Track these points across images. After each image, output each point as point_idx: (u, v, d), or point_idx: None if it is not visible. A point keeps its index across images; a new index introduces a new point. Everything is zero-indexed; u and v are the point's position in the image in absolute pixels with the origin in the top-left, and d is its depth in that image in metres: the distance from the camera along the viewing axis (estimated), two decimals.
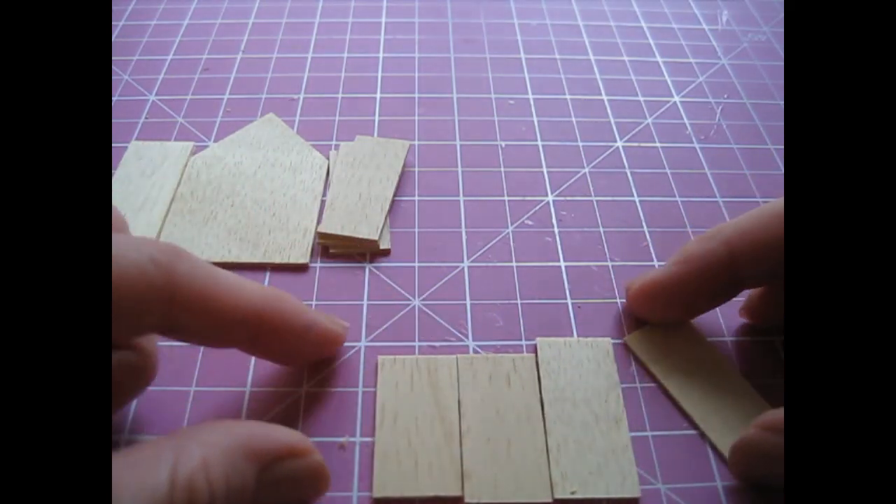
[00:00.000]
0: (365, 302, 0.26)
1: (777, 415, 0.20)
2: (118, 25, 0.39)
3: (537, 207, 0.30)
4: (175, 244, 0.20)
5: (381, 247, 0.28)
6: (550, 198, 0.31)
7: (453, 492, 0.21)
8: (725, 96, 0.37)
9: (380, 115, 0.34)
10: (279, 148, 0.32)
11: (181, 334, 0.20)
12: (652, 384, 0.24)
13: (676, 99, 0.36)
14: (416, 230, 0.29)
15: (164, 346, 0.24)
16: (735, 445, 0.21)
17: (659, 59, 0.39)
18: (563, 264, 0.28)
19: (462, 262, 0.28)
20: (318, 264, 0.28)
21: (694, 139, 0.34)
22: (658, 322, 0.25)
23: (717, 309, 0.27)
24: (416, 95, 0.36)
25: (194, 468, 0.17)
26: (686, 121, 0.35)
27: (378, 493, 0.21)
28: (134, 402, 0.23)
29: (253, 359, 0.24)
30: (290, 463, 0.19)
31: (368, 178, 0.30)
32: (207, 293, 0.19)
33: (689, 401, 0.23)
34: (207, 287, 0.20)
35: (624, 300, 0.27)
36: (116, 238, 0.18)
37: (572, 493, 0.21)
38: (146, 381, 0.22)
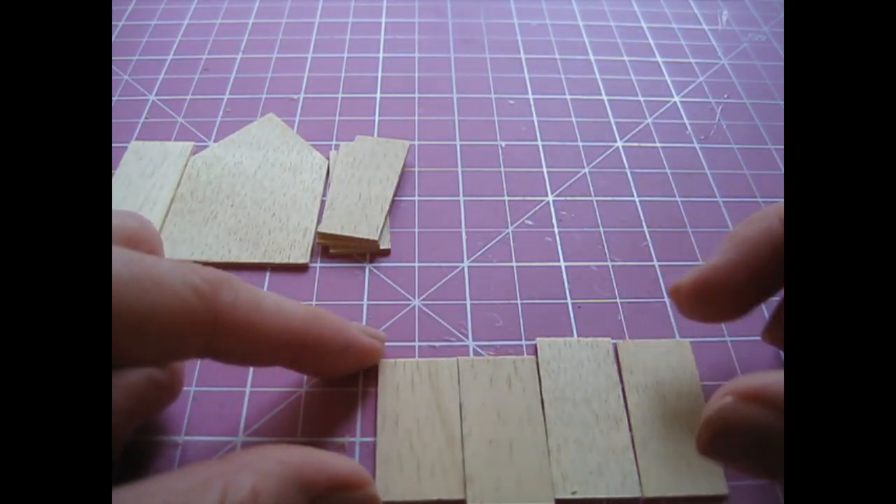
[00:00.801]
0: (365, 302, 0.26)
1: (755, 381, 0.17)
2: (118, 25, 0.39)
3: (537, 207, 0.30)
4: (219, 271, 0.20)
5: (381, 247, 0.28)
6: (550, 198, 0.31)
7: (456, 495, 0.21)
8: (725, 96, 0.37)
9: (380, 115, 0.34)
10: (279, 148, 0.32)
11: (223, 358, 0.20)
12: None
13: (676, 99, 0.36)
14: (416, 230, 0.29)
15: None
16: (709, 419, 0.18)
17: (659, 59, 0.39)
18: (563, 264, 0.28)
19: (462, 262, 0.28)
20: (318, 264, 0.28)
21: (694, 139, 0.34)
22: (720, 321, 0.23)
23: None
24: (416, 95, 0.36)
25: (244, 499, 0.16)
26: (686, 121, 0.35)
27: (380, 496, 0.21)
28: None
29: None
30: (343, 497, 0.18)
31: (368, 178, 0.30)
32: (250, 321, 0.19)
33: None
34: (250, 315, 0.19)
35: (624, 300, 0.27)
36: (161, 263, 0.18)
37: (573, 493, 0.21)
38: (172, 398, 0.22)
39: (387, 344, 0.25)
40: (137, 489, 0.16)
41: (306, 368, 0.23)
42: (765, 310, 0.27)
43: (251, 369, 0.24)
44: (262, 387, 0.24)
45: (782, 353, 0.25)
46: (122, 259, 0.18)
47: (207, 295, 0.18)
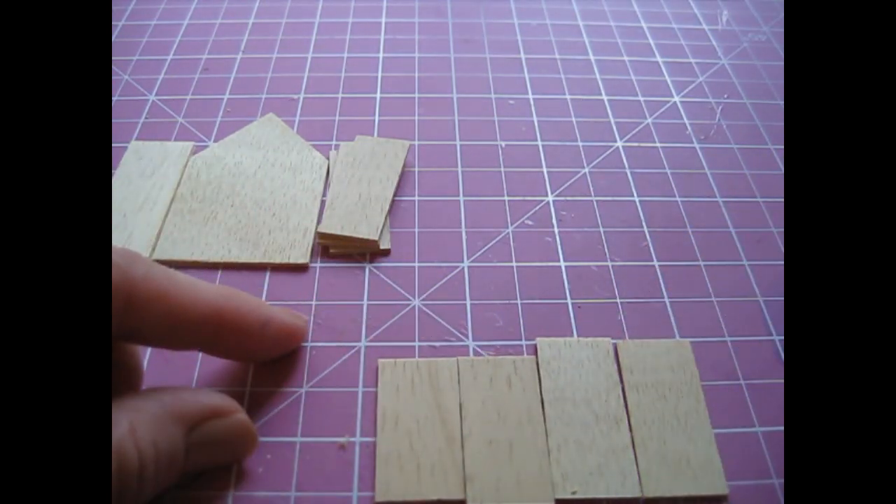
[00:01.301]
0: (365, 302, 0.26)
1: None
2: (118, 25, 0.39)
3: (537, 207, 0.30)
4: (131, 250, 0.20)
5: (381, 247, 0.28)
6: (550, 198, 0.31)
7: (456, 495, 0.21)
8: (725, 96, 0.37)
9: (380, 115, 0.34)
10: (279, 148, 0.32)
11: (140, 338, 0.20)
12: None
13: (676, 99, 0.36)
14: (416, 230, 0.29)
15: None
16: None
17: (659, 59, 0.39)
18: (563, 264, 0.28)
19: (462, 262, 0.28)
20: (318, 264, 0.28)
21: (694, 139, 0.34)
22: None
23: (717, 308, 0.27)
24: (416, 95, 0.36)
25: (122, 435, 0.17)
26: (686, 121, 0.35)
27: (380, 496, 0.21)
28: None
29: None
30: (216, 423, 0.20)
31: (368, 178, 0.30)
32: (164, 293, 0.20)
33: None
34: (163, 287, 0.20)
35: (624, 300, 0.27)
36: None
37: (573, 493, 0.21)
38: (138, 381, 0.22)
39: (387, 344, 0.25)
40: None
41: (225, 350, 0.23)
42: (766, 313, 0.27)
43: (251, 368, 0.24)
44: (262, 387, 0.24)
45: (782, 353, 0.25)
46: None
47: (121, 268, 0.19)
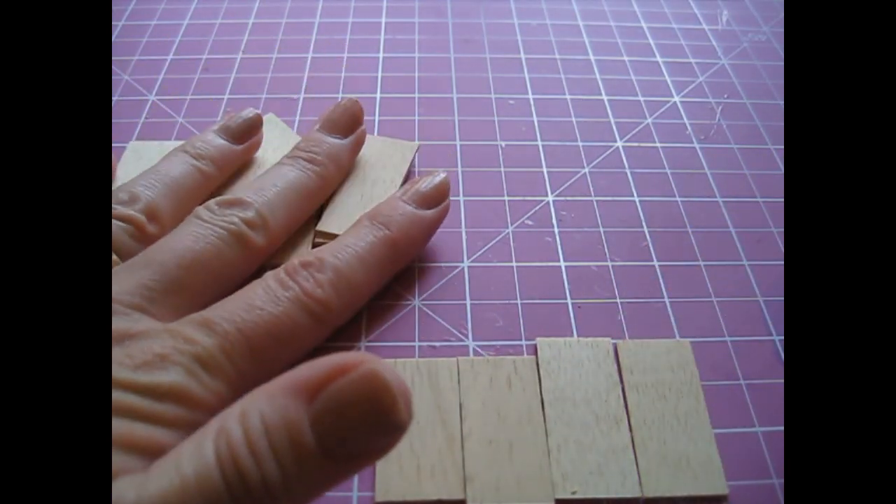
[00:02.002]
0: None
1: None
2: (118, 25, 0.39)
3: (537, 207, 0.30)
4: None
5: None
6: (550, 198, 0.31)
7: (456, 495, 0.21)
8: (725, 96, 0.37)
9: (380, 115, 0.34)
10: (279, 148, 0.32)
11: None
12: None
13: (676, 99, 0.36)
14: None
15: None
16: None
17: (659, 59, 0.39)
18: (563, 264, 0.28)
19: (462, 262, 0.28)
20: None
21: (694, 139, 0.34)
22: None
23: (717, 308, 0.27)
24: (416, 95, 0.36)
25: (230, 422, 0.15)
26: (686, 121, 0.35)
27: (381, 497, 0.21)
28: None
29: None
30: (339, 383, 0.15)
31: (373, 178, 0.30)
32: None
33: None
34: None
35: (624, 300, 0.27)
36: None
37: (573, 493, 0.21)
38: None
39: (387, 344, 0.25)
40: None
41: None
42: (766, 313, 0.27)
43: None
44: None
45: (782, 353, 0.25)
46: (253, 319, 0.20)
47: (320, 314, 0.22)
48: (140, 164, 0.31)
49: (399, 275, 0.27)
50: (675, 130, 0.34)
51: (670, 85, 0.37)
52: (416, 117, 0.34)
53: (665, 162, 0.33)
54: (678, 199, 0.31)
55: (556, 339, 0.25)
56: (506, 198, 0.31)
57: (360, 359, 0.15)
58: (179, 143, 0.32)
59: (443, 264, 0.28)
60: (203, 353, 0.19)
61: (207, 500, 0.15)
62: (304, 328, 0.21)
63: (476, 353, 0.25)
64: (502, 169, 0.32)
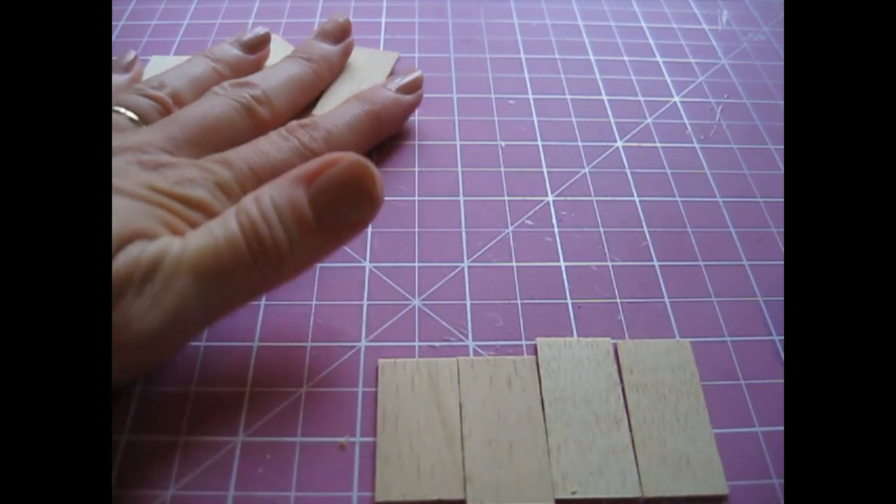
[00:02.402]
0: (365, 302, 0.26)
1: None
2: (118, 25, 0.39)
3: (537, 207, 0.30)
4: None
5: None
6: (550, 198, 0.31)
7: (456, 495, 0.21)
8: (725, 96, 0.37)
9: None
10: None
11: None
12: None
13: (676, 99, 0.36)
14: (416, 230, 0.29)
15: None
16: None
17: (659, 59, 0.39)
18: (563, 264, 0.28)
19: (462, 262, 0.28)
20: (318, 264, 0.27)
21: (694, 139, 0.34)
22: None
23: (717, 308, 0.27)
24: None
25: (247, 201, 0.21)
26: (686, 121, 0.35)
27: (380, 496, 0.21)
28: (134, 402, 0.23)
29: (253, 359, 0.24)
30: (331, 171, 0.21)
31: (360, 78, 0.35)
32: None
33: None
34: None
35: (624, 300, 0.27)
36: None
37: (573, 493, 0.21)
38: None
39: (387, 344, 0.25)
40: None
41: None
42: (766, 313, 0.27)
43: (251, 368, 0.24)
44: (262, 387, 0.24)
45: (782, 353, 0.25)
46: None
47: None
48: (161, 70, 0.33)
49: (399, 275, 0.27)
50: (675, 130, 0.34)
51: (670, 85, 0.37)
52: (417, 117, 0.34)
53: (665, 162, 0.33)
54: (678, 199, 0.31)
55: (556, 339, 0.25)
56: (506, 198, 0.31)
57: (347, 155, 0.21)
58: None
59: (443, 264, 0.28)
60: (222, 181, 0.23)
61: (234, 254, 0.20)
62: None
63: (476, 353, 0.25)
64: (502, 169, 0.32)
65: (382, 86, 0.32)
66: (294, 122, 0.27)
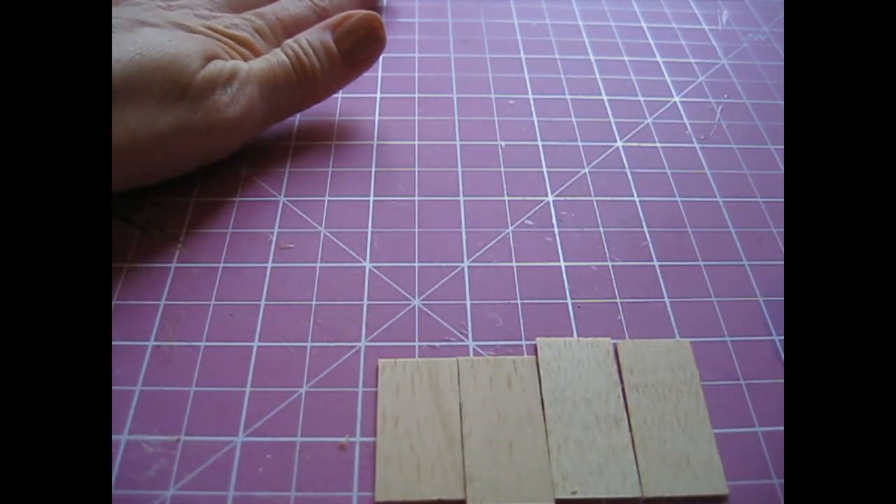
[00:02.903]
0: (365, 302, 0.26)
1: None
2: None
3: (537, 207, 0.30)
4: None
5: None
6: (550, 198, 0.31)
7: (456, 495, 0.21)
8: (725, 96, 0.37)
9: (380, 115, 0.34)
10: None
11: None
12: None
13: (676, 99, 0.36)
14: (416, 230, 0.29)
15: (165, 346, 0.24)
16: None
17: (659, 59, 0.39)
18: (563, 264, 0.28)
19: (462, 262, 0.28)
20: (318, 264, 0.28)
21: (694, 139, 0.34)
22: None
23: (717, 308, 0.27)
24: (416, 95, 0.36)
25: (291, 41, 0.31)
26: (686, 121, 0.35)
27: (380, 496, 0.21)
28: (134, 402, 0.23)
29: (253, 359, 0.24)
30: (351, 19, 0.31)
31: None
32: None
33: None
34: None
35: (624, 300, 0.27)
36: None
37: (573, 493, 0.21)
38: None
39: (387, 344, 0.25)
40: None
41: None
42: (766, 313, 0.27)
43: (251, 369, 0.24)
44: (262, 387, 0.24)
45: (782, 353, 0.25)
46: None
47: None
48: None
49: (399, 275, 0.27)
50: (675, 130, 0.34)
51: (670, 85, 0.37)
52: (416, 117, 0.34)
53: (665, 162, 0.33)
54: (678, 199, 0.31)
55: (556, 339, 0.25)
56: (506, 198, 0.31)
57: (360, 11, 0.31)
58: None
59: (443, 264, 0.28)
60: (259, 28, 0.31)
61: (285, 74, 0.29)
62: (312, 21, 0.33)
63: (476, 353, 0.25)
64: (502, 169, 0.32)
65: None
66: None
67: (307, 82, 0.30)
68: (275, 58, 0.29)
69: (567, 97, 0.36)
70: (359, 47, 0.31)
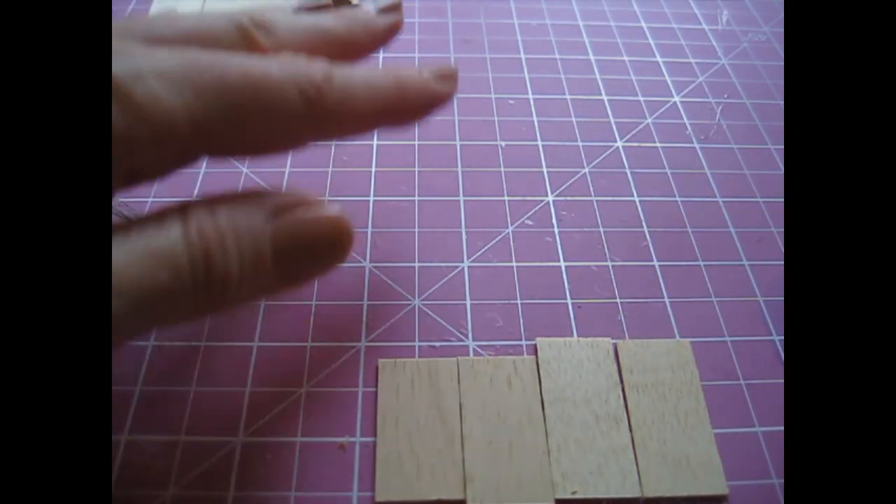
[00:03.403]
0: (365, 302, 0.26)
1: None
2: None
3: (537, 207, 0.30)
4: (323, 66, 0.20)
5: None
6: (550, 198, 0.31)
7: (456, 495, 0.21)
8: (725, 96, 0.37)
9: None
10: None
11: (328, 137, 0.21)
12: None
13: (676, 99, 0.36)
14: (416, 230, 0.29)
15: (165, 346, 0.24)
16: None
17: (659, 59, 0.39)
18: (563, 264, 0.28)
19: (462, 262, 0.28)
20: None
21: (694, 139, 0.34)
22: None
23: (717, 308, 0.27)
24: None
25: (201, 214, 0.17)
26: (686, 121, 0.35)
27: (381, 497, 0.21)
28: (133, 402, 0.23)
29: (253, 359, 0.24)
30: (302, 210, 0.18)
31: None
32: (346, 111, 0.20)
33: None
34: (348, 106, 0.20)
35: (624, 300, 0.27)
36: (271, 64, 0.19)
37: (573, 493, 0.21)
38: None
39: (387, 344, 0.25)
40: None
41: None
42: (766, 313, 0.27)
43: (251, 369, 0.24)
44: (262, 387, 0.24)
45: (782, 353, 0.25)
46: (236, 60, 0.18)
47: (313, 98, 0.19)
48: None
49: (399, 275, 0.27)
50: (675, 130, 0.34)
51: (670, 85, 0.37)
52: None
53: (665, 162, 0.33)
54: (678, 199, 0.31)
55: (556, 339, 0.25)
56: (506, 198, 0.31)
57: (324, 201, 0.19)
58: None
59: (443, 264, 0.28)
60: (261, 21, 0.22)
61: (174, 275, 0.16)
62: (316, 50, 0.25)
63: (476, 353, 0.25)
64: (502, 169, 0.32)
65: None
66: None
67: (210, 288, 0.17)
68: (163, 239, 0.17)
69: (567, 97, 0.36)
70: (306, 261, 0.19)
